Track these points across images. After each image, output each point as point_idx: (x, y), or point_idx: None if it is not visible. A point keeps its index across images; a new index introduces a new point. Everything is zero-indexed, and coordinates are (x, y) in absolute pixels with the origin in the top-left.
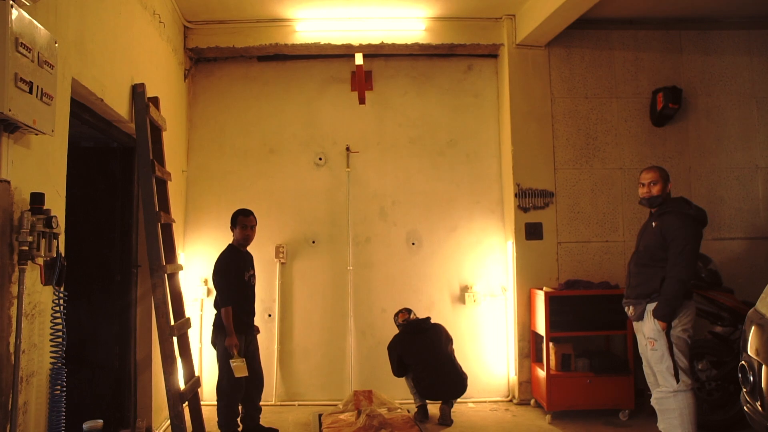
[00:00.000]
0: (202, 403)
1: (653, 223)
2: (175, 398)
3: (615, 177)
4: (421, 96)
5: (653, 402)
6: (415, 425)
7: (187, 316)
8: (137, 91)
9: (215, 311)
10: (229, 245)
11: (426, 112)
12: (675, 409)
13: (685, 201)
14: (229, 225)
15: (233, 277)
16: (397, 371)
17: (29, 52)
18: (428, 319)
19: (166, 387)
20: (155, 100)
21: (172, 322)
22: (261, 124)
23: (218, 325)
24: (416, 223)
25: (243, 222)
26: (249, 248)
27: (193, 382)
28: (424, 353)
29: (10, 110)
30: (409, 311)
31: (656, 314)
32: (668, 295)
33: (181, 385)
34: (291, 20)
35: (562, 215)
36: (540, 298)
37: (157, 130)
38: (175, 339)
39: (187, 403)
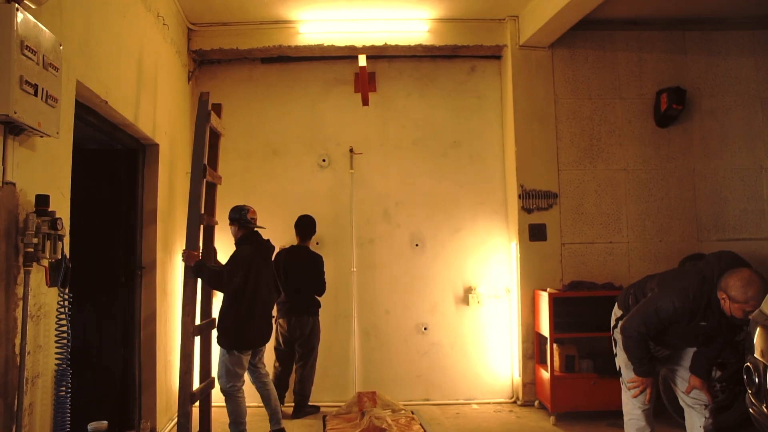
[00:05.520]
0: (213, 405)
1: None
2: (185, 397)
3: (619, 178)
4: (424, 97)
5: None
6: (420, 426)
7: (213, 316)
8: (202, 99)
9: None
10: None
11: (429, 114)
12: None
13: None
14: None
15: None
16: None
17: (34, 55)
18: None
19: (180, 385)
20: (218, 107)
21: (198, 322)
22: (264, 126)
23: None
24: (420, 224)
25: None
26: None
27: (207, 383)
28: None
29: (15, 113)
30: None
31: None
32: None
33: (195, 385)
34: (294, 22)
35: (566, 216)
36: (544, 300)
37: (215, 136)
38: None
39: (198, 403)
